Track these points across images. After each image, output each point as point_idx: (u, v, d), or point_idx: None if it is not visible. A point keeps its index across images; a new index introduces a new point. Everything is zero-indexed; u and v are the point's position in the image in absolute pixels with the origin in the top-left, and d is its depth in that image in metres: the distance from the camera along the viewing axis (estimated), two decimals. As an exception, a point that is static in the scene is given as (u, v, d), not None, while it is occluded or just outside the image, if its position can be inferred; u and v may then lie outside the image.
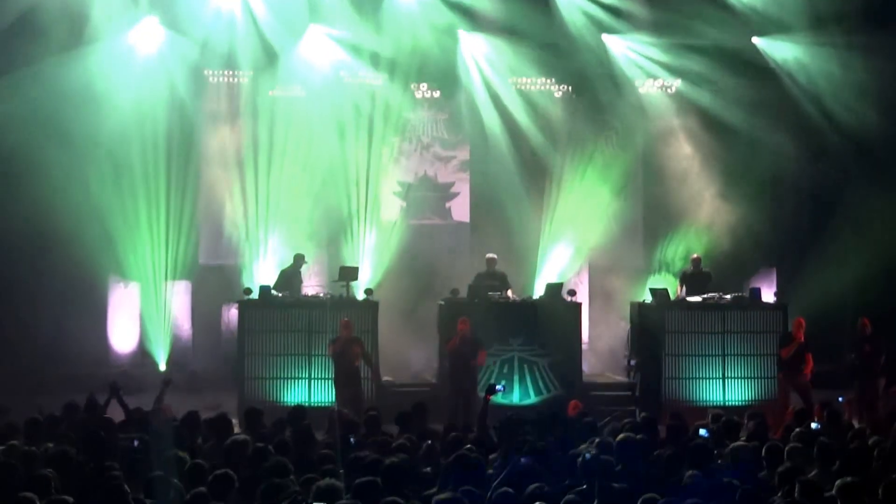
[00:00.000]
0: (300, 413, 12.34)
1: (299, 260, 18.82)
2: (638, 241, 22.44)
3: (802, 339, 16.93)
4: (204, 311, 21.06)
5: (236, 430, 12.02)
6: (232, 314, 19.69)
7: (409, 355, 17.94)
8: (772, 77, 21.44)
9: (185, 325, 21.22)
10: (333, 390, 16.67)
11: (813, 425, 12.32)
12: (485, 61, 21.67)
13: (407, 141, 22.27)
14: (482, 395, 13.33)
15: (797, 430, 12.25)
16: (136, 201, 20.42)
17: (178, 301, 21.19)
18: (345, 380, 16.55)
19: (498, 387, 13.21)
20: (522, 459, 10.19)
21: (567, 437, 11.20)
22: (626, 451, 9.94)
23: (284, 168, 20.88)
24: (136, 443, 10.51)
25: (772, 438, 11.64)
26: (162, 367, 20.28)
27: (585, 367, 19.28)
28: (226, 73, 21.24)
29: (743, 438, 11.71)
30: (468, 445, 10.48)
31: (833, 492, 8.35)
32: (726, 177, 21.47)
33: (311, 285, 19.39)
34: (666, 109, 21.98)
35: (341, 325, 16.82)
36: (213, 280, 20.95)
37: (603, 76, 21.96)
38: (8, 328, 19.87)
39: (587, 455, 9.36)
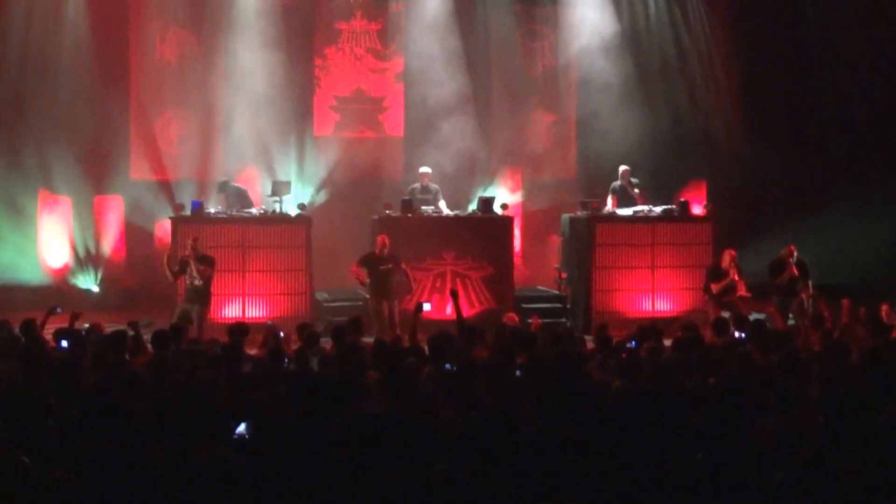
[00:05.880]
0: (242, 329, 12.35)
1: (223, 187, 18.68)
2: (570, 154, 22.52)
3: (736, 277, 17.09)
4: (137, 227, 20.92)
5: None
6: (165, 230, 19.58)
7: (343, 270, 17.95)
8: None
9: (117, 241, 21.09)
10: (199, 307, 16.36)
11: (737, 334, 12.56)
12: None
13: (340, 52, 22.11)
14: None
15: (722, 339, 12.53)
16: (65, 112, 20.22)
17: (110, 216, 21.04)
18: (193, 296, 16.45)
19: (425, 306, 13.32)
20: (447, 366, 10.37)
21: (506, 349, 11.36)
22: (561, 363, 10.09)
23: (218, 81, 20.71)
24: (63, 343, 10.61)
25: (701, 348, 11.84)
26: (94, 286, 20.28)
27: (517, 280, 19.46)
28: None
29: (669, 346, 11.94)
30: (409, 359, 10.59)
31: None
32: (658, 88, 21.55)
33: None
34: (599, 21, 21.93)
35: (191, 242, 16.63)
36: (145, 195, 20.79)
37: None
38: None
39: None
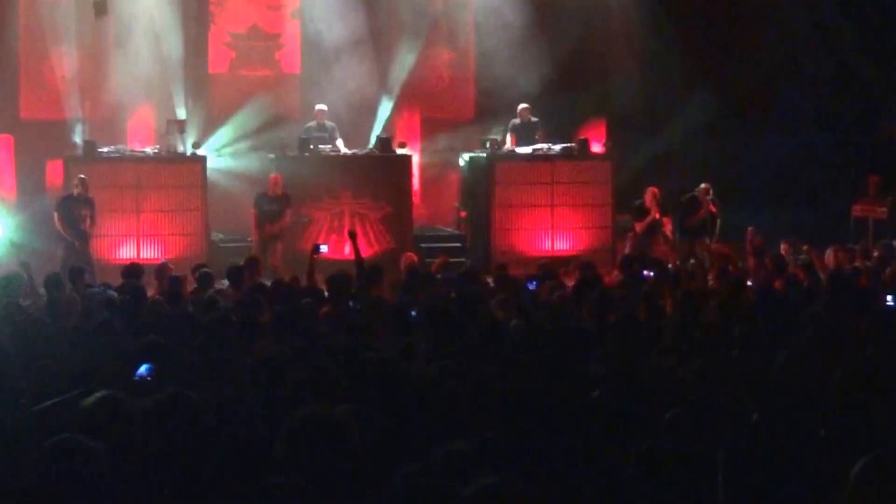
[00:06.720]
0: (136, 270, 12.20)
1: None
2: (470, 91, 22.40)
3: (658, 216, 17.18)
4: (28, 168, 20.45)
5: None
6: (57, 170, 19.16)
7: (239, 210, 17.79)
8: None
9: (7, 182, 20.62)
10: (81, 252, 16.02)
11: (645, 273, 12.67)
12: None
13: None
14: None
15: (625, 277, 12.66)
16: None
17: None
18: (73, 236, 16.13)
19: (322, 247, 13.24)
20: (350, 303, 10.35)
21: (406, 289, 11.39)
22: (461, 302, 10.13)
23: (110, 15, 20.18)
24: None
25: (599, 286, 11.92)
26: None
27: (416, 220, 19.42)
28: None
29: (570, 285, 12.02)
30: (305, 299, 10.56)
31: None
32: (558, 27, 21.46)
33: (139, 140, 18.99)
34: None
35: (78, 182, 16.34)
36: (36, 134, 20.30)
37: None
38: None
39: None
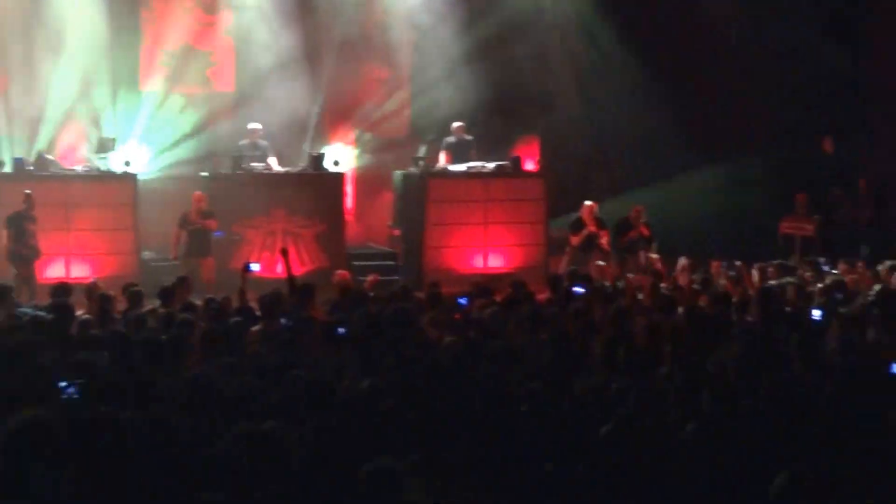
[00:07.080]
0: (65, 289, 12.08)
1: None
2: (404, 109, 22.41)
3: (594, 228, 17.40)
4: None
5: None
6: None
7: (170, 229, 17.65)
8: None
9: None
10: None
11: (577, 289, 12.74)
12: None
13: (167, 4, 21.50)
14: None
15: (555, 294, 12.73)
16: None
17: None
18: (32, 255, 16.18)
19: (252, 266, 13.19)
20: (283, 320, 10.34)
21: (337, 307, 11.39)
22: (395, 319, 10.15)
23: (38, 31, 20.01)
24: None
25: (531, 304, 12.02)
26: None
27: (350, 238, 19.41)
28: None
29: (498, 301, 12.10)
30: (235, 317, 10.55)
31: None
32: (487, 45, 21.55)
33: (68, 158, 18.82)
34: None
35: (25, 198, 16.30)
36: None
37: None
38: None
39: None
